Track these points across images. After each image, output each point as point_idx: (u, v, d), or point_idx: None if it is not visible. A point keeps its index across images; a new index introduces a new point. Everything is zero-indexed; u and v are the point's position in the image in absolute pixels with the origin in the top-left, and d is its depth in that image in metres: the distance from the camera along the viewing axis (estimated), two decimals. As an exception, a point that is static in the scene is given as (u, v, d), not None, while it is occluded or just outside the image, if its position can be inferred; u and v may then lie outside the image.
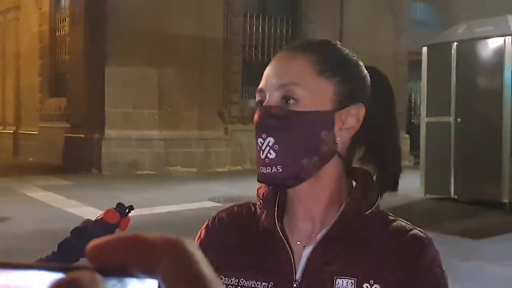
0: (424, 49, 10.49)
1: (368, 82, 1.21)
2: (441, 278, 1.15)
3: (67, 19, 15.89)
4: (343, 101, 1.16)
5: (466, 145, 9.70)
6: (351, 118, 1.16)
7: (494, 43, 9.49)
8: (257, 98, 1.20)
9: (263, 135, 1.13)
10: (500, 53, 9.36)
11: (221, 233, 1.24)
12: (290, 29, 16.21)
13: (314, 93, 1.14)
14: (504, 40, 9.28)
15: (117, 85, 13.87)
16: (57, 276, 0.37)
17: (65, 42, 16.24)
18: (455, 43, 9.92)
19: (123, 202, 1.48)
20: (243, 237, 1.22)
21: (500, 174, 9.28)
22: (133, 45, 13.82)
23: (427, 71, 10.36)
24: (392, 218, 1.20)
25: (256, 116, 1.15)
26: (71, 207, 9.22)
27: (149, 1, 13.95)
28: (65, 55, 16.20)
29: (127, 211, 1.47)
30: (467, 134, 9.68)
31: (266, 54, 15.65)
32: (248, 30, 15.68)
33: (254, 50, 15.68)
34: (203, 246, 1.22)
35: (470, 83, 9.78)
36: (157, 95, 14.32)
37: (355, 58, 1.22)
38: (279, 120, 1.12)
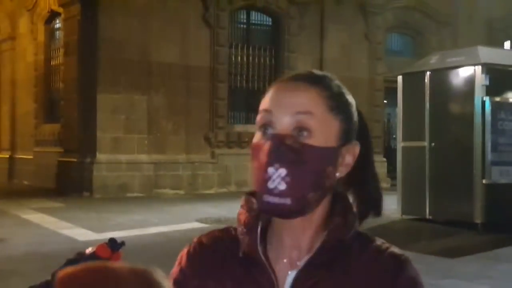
0: (399, 78, 10.57)
1: (356, 120, 1.19)
2: None
3: (61, 49, 15.89)
4: (345, 139, 1.14)
5: (440, 168, 9.75)
6: (349, 156, 1.15)
7: (465, 72, 9.59)
8: (261, 120, 1.14)
9: (276, 165, 1.07)
10: (471, 81, 9.45)
11: (203, 258, 1.19)
12: (273, 58, 16.31)
13: (325, 127, 1.11)
14: (475, 70, 9.38)
15: (108, 111, 13.88)
16: None
17: (59, 71, 16.22)
18: (429, 72, 10.01)
19: (116, 239, 1.46)
20: (225, 262, 1.17)
21: (472, 196, 9.32)
22: (122, 73, 13.89)
23: (403, 98, 10.43)
24: (369, 238, 1.18)
25: (269, 144, 1.08)
26: (64, 229, 9.12)
27: (137, 32, 14.04)
28: (59, 83, 16.16)
29: (119, 246, 1.44)
30: (441, 158, 9.73)
31: (250, 82, 15.77)
32: (233, 59, 15.76)
33: (239, 78, 15.76)
34: (185, 272, 1.18)
35: (443, 110, 9.86)
36: (146, 121, 14.33)
37: (349, 97, 1.19)
38: (293, 152, 1.07)
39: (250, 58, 16.01)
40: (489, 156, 9.31)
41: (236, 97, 15.58)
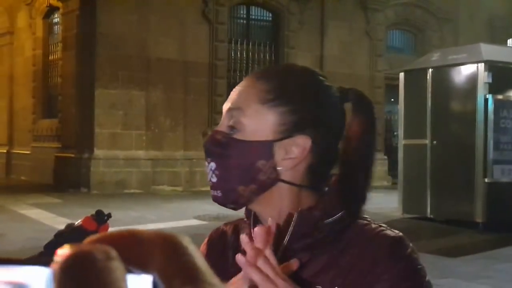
0: (401, 75, 10.47)
1: (327, 109, 1.15)
2: (417, 270, 1.10)
3: (59, 44, 15.79)
4: (287, 131, 1.12)
5: (441, 166, 9.66)
6: (296, 148, 1.11)
7: (467, 69, 9.50)
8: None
9: (208, 159, 1.14)
10: (473, 79, 9.36)
11: (210, 250, 1.25)
12: (272, 54, 16.21)
13: (256, 121, 1.12)
14: (477, 67, 9.28)
15: (106, 107, 13.80)
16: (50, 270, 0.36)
17: (57, 66, 16.12)
18: (430, 69, 9.92)
19: (102, 210, 1.41)
20: (226, 252, 1.22)
21: (473, 195, 9.24)
22: (120, 69, 13.81)
23: (404, 95, 10.33)
24: (364, 222, 1.14)
25: (204, 140, 1.16)
26: (61, 224, 8.93)
27: (136, 27, 13.94)
28: (57, 78, 16.06)
29: (105, 218, 1.40)
30: (443, 156, 9.65)
31: (250, 78, 15.65)
32: (233, 55, 15.66)
33: (238, 74, 15.65)
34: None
35: (445, 107, 9.77)
36: (144, 117, 14.24)
37: (318, 84, 1.16)
38: (220, 147, 1.12)
39: (250, 54, 15.91)
40: (491, 154, 9.23)
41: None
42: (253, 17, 16.44)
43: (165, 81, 14.38)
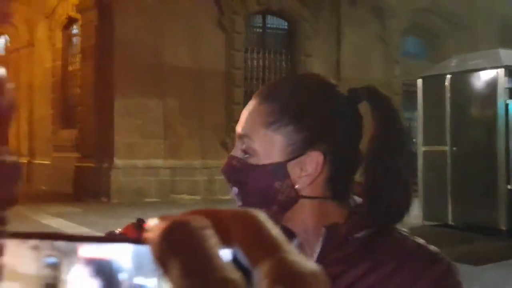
0: (419, 81, 10.38)
1: (337, 118, 1.12)
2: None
3: (78, 55, 15.88)
4: (298, 150, 1.11)
5: (462, 172, 9.54)
6: (309, 164, 1.11)
7: (487, 75, 9.39)
8: None
9: (230, 184, 1.15)
10: (492, 84, 9.25)
11: None
12: (289, 62, 16.17)
13: (265, 145, 1.12)
14: (497, 72, 9.17)
15: (125, 116, 13.83)
16: (135, 247, 0.40)
17: (76, 77, 16.20)
18: (449, 75, 9.82)
19: (143, 219, 1.39)
20: None
21: (496, 201, 9.11)
22: (138, 78, 13.84)
23: (423, 102, 10.24)
24: (401, 236, 1.12)
25: (222, 165, 1.16)
26: (83, 233, 9.04)
27: (152, 37, 13.98)
28: (76, 88, 16.15)
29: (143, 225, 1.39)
30: (463, 162, 9.53)
31: (266, 86, 15.62)
32: (249, 63, 15.65)
33: (255, 82, 15.62)
34: None
35: (465, 113, 9.67)
36: (162, 126, 14.25)
37: (322, 96, 1.13)
38: (237, 173, 1.13)
39: (266, 62, 15.89)
40: (513, 159, 9.10)
41: (253, 102, 15.45)
42: (269, 25, 16.43)
43: (182, 89, 14.39)
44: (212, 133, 14.67)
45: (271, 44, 16.20)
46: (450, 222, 9.62)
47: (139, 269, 0.43)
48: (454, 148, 9.66)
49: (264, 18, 16.32)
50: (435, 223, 9.92)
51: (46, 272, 0.45)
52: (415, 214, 10.03)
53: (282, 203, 1.12)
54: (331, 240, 1.09)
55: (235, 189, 1.14)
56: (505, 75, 9.09)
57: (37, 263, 0.45)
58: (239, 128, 1.15)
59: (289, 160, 1.11)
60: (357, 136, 1.14)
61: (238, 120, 1.21)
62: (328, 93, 1.15)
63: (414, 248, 1.10)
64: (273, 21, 16.47)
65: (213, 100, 14.87)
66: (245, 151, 1.13)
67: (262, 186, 1.11)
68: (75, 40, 16.71)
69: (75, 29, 16.69)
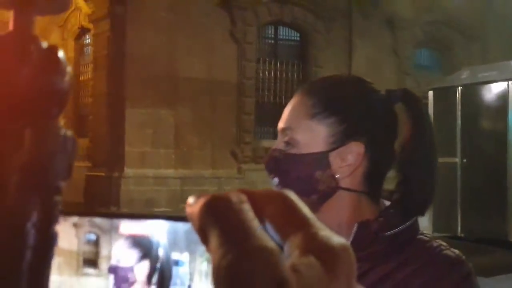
0: (430, 93, 10.41)
1: (376, 113, 1.18)
2: None
3: (90, 64, 16.01)
4: (340, 140, 1.15)
5: (472, 185, 9.54)
6: (351, 155, 1.15)
7: (498, 87, 9.41)
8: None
9: (271, 175, 1.19)
10: (503, 97, 9.27)
11: None
12: (300, 73, 16.24)
13: (308, 136, 1.16)
14: (508, 85, 9.18)
15: (136, 126, 13.92)
16: (170, 224, 0.46)
17: (88, 86, 16.33)
18: (460, 87, 9.85)
19: None
20: None
21: (506, 214, 9.12)
22: (150, 88, 13.94)
23: (433, 113, 10.24)
24: (426, 238, 1.18)
25: (265, 158, 1.21)
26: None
27: (164, 48, 14.09)
28: (88, 98, 16.27)
29: None
30: (473, 175, 9.54)
31: (278, 97, 15.67)
32: (260, 74, 15.73)
33: (266, 93, 15.68)
34: None
35: (475, 125, 9.69)
36: (172, 135, 14.33)
37: (363, 91, 1.21)
38: (278, 163, 1.16)
39: (278, 73, 15.96)
40: (523, 172, 9.10)
41: (263, 112, 15.49)
42: (281, 37, 16.52)
43: (193, 100, 14.48)
44: (223, 143, 14.74)
45: (283, 55, 16.28)
46: (459, 234, 9.61)
47: (174, 245, 0.47)
48: (464, 160, 9.67)
49: (276, 29, 16.41)
50: (445, 234, 9.90)
51: (86, 248, 0.49)
52: (425, 226, 10.00)
53: (321, 193, 1.15)
54: (362, 236, 1.12)
55: (275, 180, 1.17)
56: (516, 87, 9.11)
57: (77, 239, 0.49)
58: (281, 123, 1.20)
59: (331, 150, 1.15)
60: (393, 134, 1.19)
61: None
62: (367, 89, 1.22)
63: (439, 250, 1.15)
64: (285, 32, 16.56)
65: (224, 110, 14.95)
66: (287, 143, 1.17)
67: (303, 175, 1.14)
68: (87, 50, 16.86)
69: (87, 39, 16.85)
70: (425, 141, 1.19)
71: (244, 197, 0.36)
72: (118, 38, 14.08)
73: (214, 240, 0.34)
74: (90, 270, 0.49)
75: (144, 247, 0.46)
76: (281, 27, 16.40)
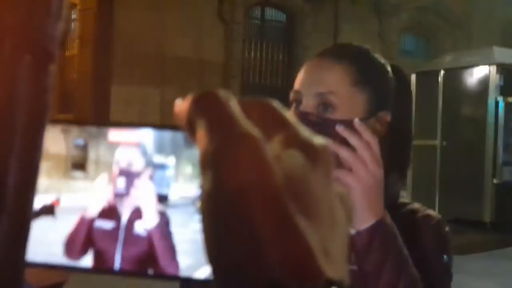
0: (413, 76, 10.56)
1: (393, 87, 1.24)
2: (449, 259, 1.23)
3: (76, 40, 15.96)
4: (374, 109, 1.18)
5: (450, 167, 9.75)
6: (379, 125, 1.19)
7: (479, 71, 9.59)
8: (292, 99, 1.22)
9: None
10: (484, 81, 9.45)
11: None
12: (286, 55, 16.33)
13: (349, 102, 1.16)
14: (489, 70, 9.37)
15: (121, 104, 13.93)
16: (156, 131, 0.48)
17: (73, 62, 16.28)
18: (443, 71, 10.01)
19: None
20: None
21: (482, 195, 9.32)
22: (136, 66, 13.94)
23: (416, 96, 10.41)
24: (406, 201, 1.28)
25: None
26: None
27: (151, 25, 14.08)
28: (73, 74, 16.23)
29: None
30: (452, 157, 9.74)
31: (263, 78, 15.78)
32: (246, 55, 15.80)
33: (252, 74, 15.79)
34: None
35: (456, 109, 9.87)
36: (158, 114, 14.35)
37: (384, 64, 1.25)
38: (316, 127, 1.09)
39: (264, 54, 16.04)
40: (501, 156, 9.31)
41: (249, 93, 15.59)
42: (268, 18, 16.58)
43: (180, 79, 14.51)
44: (208, 122, 14.82)
45: (269, 36, 16.34)
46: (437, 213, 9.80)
47: (160, 150, 0.49)
48: (444, 143, 9.85)
49: (263, 10, 16.46)
50: (423, 215, 10.11)
51: (75, 152, 0.50)
52: (403, 206, 10.21)
53: None
54: None
55: None
56: (497, 72, 9.28)
57: (65, 144, 0.50)
58: (317, 86, 1.17)
59: (367, 118, 1.16)
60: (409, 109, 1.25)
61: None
62: (384, 62, 1.27)
63: (422, 209, 1.26)
64: (272, 14, 16.62)
65: (210, 87, 14.98)
66: (325, 107, 1.15)
67: (338, 141, 1.10)
68: (73, 25, 16.77)
69: (73, 14, 16.76)
70: (409, 114, 1.29)
71: (230, 95, 0.38)
72: (105, 14, 14.06)
73: (201, 129, 0.36)
74: (78, 174, 0.50)
75: (148, 155, 0.48)
76: (268, 8, 16.46)
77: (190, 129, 0.38)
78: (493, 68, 9.32)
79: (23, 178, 0.36)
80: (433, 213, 1.26)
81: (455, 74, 9.91)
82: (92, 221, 0.52)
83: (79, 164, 0.50)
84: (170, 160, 0.49)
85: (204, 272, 0.49)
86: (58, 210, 0.51)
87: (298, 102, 1.19)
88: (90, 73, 14.63)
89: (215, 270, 0.34)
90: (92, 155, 0.50)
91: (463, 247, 8.05)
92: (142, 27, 13.96)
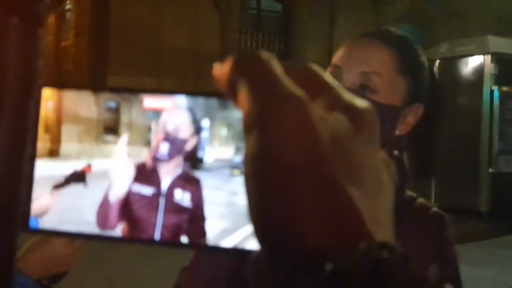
0: (409, 66, 10.58)
1: (428, 81, 1.23)
2: (454, 255, 1.23)
3: (71, 31, 15.92)
4: (410, 100, 1.18)
5: (446, 156, 9.75)
6: (411, 116, 1.19)
7: (474, 61, 9.62)
8: (330, 70, 1.21)
9: None
10: (480, 70, 9.49)
11: None
12: (282, 45, 16.33)
13: (390, 88, 1.16)
14: (484, 59, 9.40)
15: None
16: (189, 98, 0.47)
17: (69, 53, 16.24)
18: (438, 61, 10.02)
19: None
20: None
21: (478, 185, 9.37)
22: (133, 56, 13.91)
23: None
24: (414, 196, 1.25)
25: None
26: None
27: (148, 15, 14.05)
28: (69, 65, 16.19)
29: None
30: (448, 146, 9.76)
31: (259, 68, 15.75)
32: (243, 45, 15.79)
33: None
34: None
35: (451, 98, 9.88)
36: (155, 104, 14.36)
37: (424, 59, 1.25)
38: None
39: (260, 44, 16.03)
40: (496, 145, 9.35)
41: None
42: (264, 7, 16.56)
43: (177, 69, 14.51)
44: (204, 112, 14.81)
45: (265, 26, 16.33)
46: (433, 203, 9.85)
47: (194, 114, 0.48)
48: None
49: (259, 0, 16.44)
50: (419, 204, 10.15)
51: (106, 115, 0.49)
52: (399, 195, 10.25)
53: (381, 145, 1.19)
54: None
55: None
56: (492, 61, 9.31)
57: (97, 107, 0.48)
58: (361, 65, 1.17)
59: (404, 107, 1.17)
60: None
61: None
62: (424, 60, 1.27)
63: (427, 208, 1.22)
64: (268, 3, 16.59)
65: (207, 80, 14.99)
66: (367, 88, 1.14)
67: None
68: (68, 15, 16.72)
69: (68, 5, 16.71)
70: (441, 114, 1.27)
71: (273, 56, 0.37)
72: (100, 4, 14.02)
73: (244, 91, 0.35)
74: (110, 138, 0.48)
75: (197, 122, 0.46)
76: (265, -2, 16.45)
77: (231, 92, 0.37)
78: (488, 57, 9.36)
79: (13, 145, 0.35)
80: (444, 214, 1.25)
81: (450, 63, 9.94)
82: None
83: (111, 128, 0.49)
84: (205, 123, 0.48)
85: (239, 236, 0.48)
86: (89, 177, 0.49)
87: (337, 78, 1.17)
88: (86, 64, 14.60)
89: (259, 236, 0.33)
90: (124, 118, 0.49)
91: (459, 236, 8.11)
92: (138, 17, 13.93)
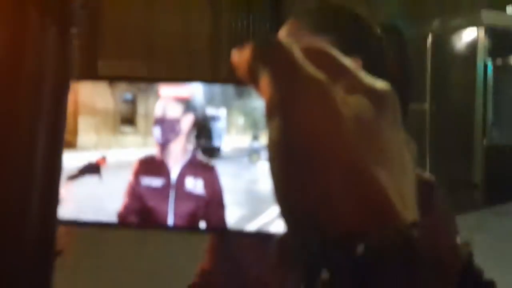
0: (402, 41, 10.53)
1: (385, 53, 1.17)
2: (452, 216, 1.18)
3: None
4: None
5: (440, 130, 9.79)
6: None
7: (467, 34, 9.58)
8: None
9: None
10: (473, 44, 9.46)
11: None
12: (274, 25, 16.23)
13: None
14: (477, 32, 9.37)
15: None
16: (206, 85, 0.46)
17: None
18: (431, 35, 9.99)
19: None
20: None
21: (472, 157, 9.41)
22: (123, 40, 13.81)
23: (404, 61, 10.41)
24: None
25: None
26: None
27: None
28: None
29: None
30: (442, 120, 9.78)
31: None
32: (233, 25, 15.69)
33: (240, 44, 15.68)
34: None
35: (445, 72, 9.87)
36: (147, 87, 14.30)
37: (374, 31, 1.19)
38: None
39: (251, 26, 15.94)
40: (490, 118, 9.38)
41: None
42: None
43: (168, 55, 14.42)
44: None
45: (256, 5, 16.19)
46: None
47: (211, 102, 0.49)
48: (434, 106, 9.89)
49: (249, -21, 16.31)
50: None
51: (123, 106, 0.49)
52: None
53: None
54: None
55: None
56: (485, 34, 9.28)
57: (113, 98, 0.49)
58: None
59: None
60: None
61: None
62: (357, 15, 1.25)
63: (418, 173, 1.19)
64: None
65: (199, 65, 14.93)
66: None
67: None
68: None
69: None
70: (407, 78, 1.20)
71: (293, 42, 0.36)
72: (90, -13, 13.90)
73: (265, 77, 0.35)
74: (127, 129, 0.49)
75: (187, 102, 0.47)
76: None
77: (252, 78, 0.37)
78: (481, 31, 9.33)
79: (50, 140, 0.36)
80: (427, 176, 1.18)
81: (443, 38, 9.90)
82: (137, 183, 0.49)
83: (128, 119, 0.49)
84: (222, 112, 0.49)
85: (257, 222, 0.48)
86: (105, 168, 0.50)
87: None
88: (76, 47, 14.50)
89: (286, 219, 0.33)
90: (141, 109, 0.49)
91: (454, 205, 8.17)
92: (129, 0, 13.80)
